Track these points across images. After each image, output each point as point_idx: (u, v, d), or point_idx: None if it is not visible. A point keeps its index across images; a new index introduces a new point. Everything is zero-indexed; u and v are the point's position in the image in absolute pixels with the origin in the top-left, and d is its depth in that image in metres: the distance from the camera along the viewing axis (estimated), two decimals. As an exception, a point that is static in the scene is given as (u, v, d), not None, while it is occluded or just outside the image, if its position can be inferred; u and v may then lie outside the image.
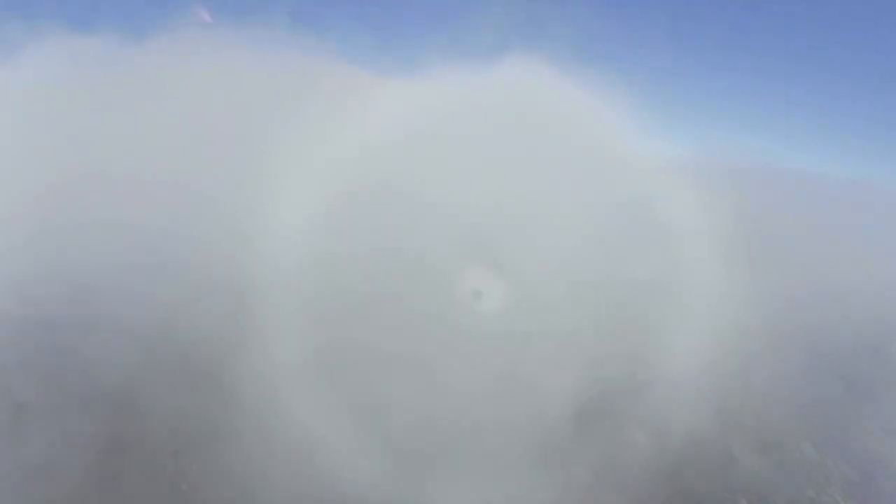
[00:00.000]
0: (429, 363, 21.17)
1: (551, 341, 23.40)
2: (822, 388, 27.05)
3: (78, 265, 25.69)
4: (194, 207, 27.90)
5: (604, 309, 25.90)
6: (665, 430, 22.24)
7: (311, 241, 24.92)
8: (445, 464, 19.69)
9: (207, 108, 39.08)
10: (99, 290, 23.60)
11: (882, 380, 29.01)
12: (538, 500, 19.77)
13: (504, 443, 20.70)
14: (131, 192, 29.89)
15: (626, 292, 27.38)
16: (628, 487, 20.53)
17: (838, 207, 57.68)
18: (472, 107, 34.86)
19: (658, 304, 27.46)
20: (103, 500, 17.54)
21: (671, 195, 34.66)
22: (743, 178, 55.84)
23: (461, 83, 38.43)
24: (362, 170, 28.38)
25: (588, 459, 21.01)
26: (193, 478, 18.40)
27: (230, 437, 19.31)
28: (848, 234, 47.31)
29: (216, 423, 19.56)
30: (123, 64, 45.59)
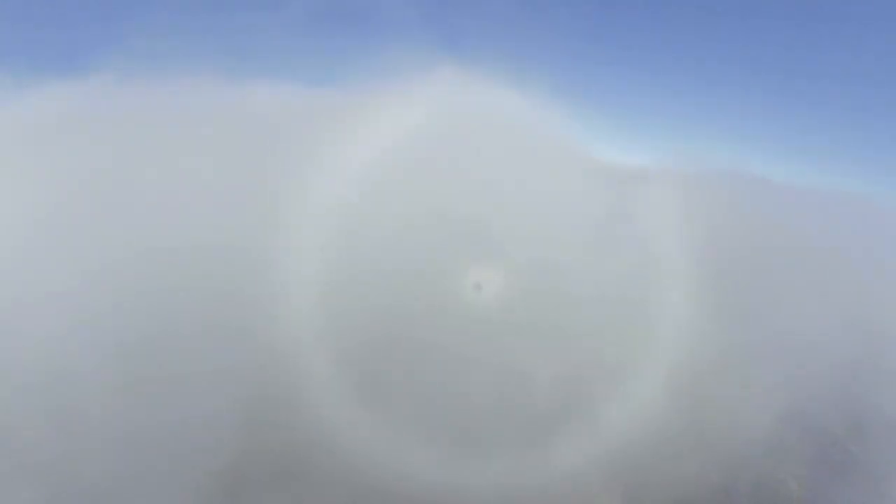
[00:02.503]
0: (437, 351, 24.01)
1: (541, 335, 26.27)
2: (785, 379, 29.93)
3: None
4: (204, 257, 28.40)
5: (587, 306, 28.85)
6: (644, 415, 25.08)
7: (328, 266, 27.20)
8: (447, 446, 22.19)
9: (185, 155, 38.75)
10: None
11: (840, 364, 31.92)
12: (529, 479, 22.04)
13: (499, 426, 23.23)
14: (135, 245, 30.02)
15: (608, 291, 30.28)
16: (611, 464, 23.10)
17: (803, 213, 57.84)
18: (438, 124, 37.44)
19: (636, 303, 30.42)
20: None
21: (637, 200, 37.81)
22: (709, 183, 58.05)
23: (427, 99, 40.79)
24: (356, 195, 30.75)
25: (574, 441, 23.80)
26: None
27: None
28: (812, 239, 48.13)
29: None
30: (111, 111, 45.61)
